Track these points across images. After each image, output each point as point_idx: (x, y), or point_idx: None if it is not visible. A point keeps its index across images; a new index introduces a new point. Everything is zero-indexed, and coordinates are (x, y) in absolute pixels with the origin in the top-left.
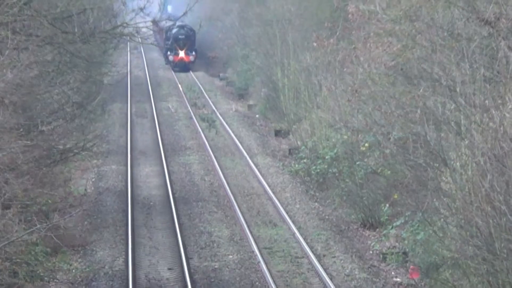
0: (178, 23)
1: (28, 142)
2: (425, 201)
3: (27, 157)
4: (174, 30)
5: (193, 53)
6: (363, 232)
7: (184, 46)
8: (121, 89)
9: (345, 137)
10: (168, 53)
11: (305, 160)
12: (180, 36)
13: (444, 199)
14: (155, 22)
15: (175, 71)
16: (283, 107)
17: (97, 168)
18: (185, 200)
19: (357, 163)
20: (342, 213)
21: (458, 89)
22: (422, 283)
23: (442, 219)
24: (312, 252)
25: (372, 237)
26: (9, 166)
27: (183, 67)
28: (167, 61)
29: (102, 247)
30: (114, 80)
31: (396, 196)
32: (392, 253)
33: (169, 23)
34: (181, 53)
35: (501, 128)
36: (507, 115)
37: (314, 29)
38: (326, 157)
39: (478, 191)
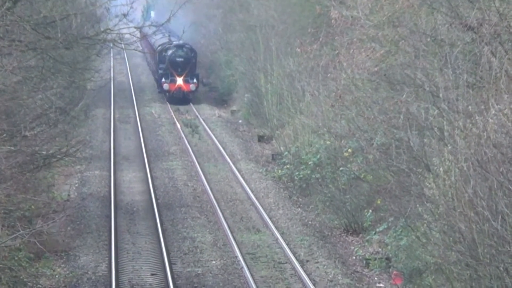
0: (175, 42)
1: (11, 147)
2: (408, 206)
3: (10, 163)
4: (170, 51)
5: (194, 80)
6: (346, 238)
7: (183, 71)
8: (105, 95)
9: (328, 142)
10: (163, 79)
11: (288, 166)
12: (177, 59)
13: (427, 205)
14: (139, 28)
15: (171, 103)
16: (266, 113)
17: (80, 174)
18: (168, 206)
19: (340, 168)
20: (325, 218)
21: (441, 95)
22: None
23: (425, 225)
24: (295, 257)
25: (355, 243)
26: None
27: (181, 98)
28: (161, 89)
29: (85, 252)
30: (97, 86)
31: (379, 202)
32: (375, 259)
33: (162, 40)
34: (179, 81)
35: (485, 133)
36: (490, 120)
37: (297, 34)
38: (309, 163)
39: (461, 197)
